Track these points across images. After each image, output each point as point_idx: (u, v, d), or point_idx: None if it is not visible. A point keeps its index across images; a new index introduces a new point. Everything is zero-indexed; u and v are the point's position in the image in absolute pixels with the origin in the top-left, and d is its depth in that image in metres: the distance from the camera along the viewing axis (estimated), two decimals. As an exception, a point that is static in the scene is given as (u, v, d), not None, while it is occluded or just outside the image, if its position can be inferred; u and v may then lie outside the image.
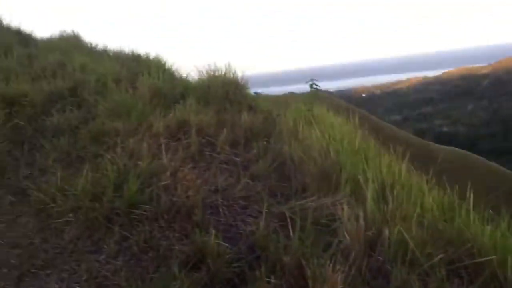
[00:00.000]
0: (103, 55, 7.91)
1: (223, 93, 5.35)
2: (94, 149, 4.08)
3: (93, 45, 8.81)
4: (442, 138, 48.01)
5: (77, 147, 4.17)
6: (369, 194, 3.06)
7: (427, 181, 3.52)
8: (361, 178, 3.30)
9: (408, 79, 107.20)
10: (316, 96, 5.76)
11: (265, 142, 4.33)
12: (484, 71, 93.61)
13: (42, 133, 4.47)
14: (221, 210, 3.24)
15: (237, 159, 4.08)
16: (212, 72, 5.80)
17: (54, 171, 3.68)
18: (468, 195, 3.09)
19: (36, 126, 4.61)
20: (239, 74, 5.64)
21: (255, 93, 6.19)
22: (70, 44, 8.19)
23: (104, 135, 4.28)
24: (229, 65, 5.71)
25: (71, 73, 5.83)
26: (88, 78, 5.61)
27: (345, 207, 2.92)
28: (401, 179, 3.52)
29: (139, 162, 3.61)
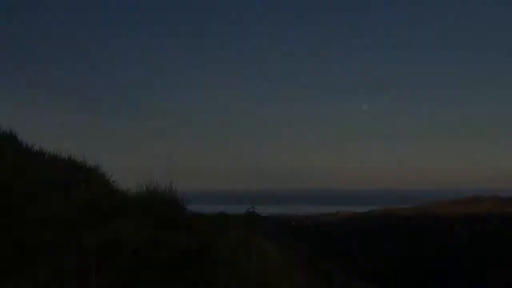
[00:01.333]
0: (38, 157, 7.58)
1: (162, 211, 5.22)
2: (16, 262, 3.70)
3: (29, 145, 8.44)
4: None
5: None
6: None
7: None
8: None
9: (337, 212, 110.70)
10: (254, 221, 5.78)
11: (200, 268, 4.16)
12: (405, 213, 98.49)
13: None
14: None
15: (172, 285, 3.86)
16: (152, 188, 5.70)
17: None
18: None
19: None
20: (180, 192, 5.57)
21: (195, 213, 6.09)
22: (3, 142, 7.83)
23: (28, 246, 3.92)
24: (170, 182, 5.64)
25: (1, 174, 5.47)
26: (19, 181, 5.27)
27: None
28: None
29: (64, 282, 3.30)
